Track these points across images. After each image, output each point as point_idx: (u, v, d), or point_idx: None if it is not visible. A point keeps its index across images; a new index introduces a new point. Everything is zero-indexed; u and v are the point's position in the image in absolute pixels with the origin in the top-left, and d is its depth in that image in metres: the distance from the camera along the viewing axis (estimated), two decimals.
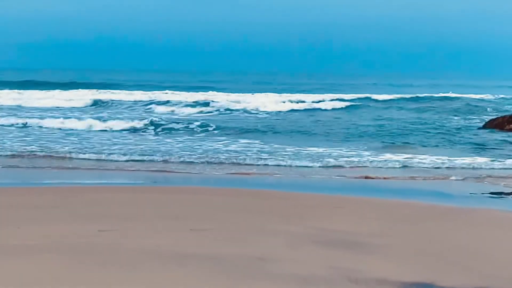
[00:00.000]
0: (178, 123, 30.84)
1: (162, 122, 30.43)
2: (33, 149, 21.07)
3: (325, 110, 41.37)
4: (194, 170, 18.11)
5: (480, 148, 23.75)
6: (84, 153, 20.27)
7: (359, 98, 47.76)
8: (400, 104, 44.44)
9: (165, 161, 19.34)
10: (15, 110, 38.12)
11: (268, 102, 43.33)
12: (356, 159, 19.86)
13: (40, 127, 28.69)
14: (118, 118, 32.24)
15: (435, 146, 23.98)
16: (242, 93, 51.42)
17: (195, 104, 42.71)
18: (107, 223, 9.62)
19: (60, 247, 7.99)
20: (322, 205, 12.16)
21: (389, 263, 7.72)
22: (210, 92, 52.18)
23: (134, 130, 28.55)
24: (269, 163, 19.07)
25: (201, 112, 39.26)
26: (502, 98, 50.72)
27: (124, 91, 51.42)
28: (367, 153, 21.46)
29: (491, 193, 14.45)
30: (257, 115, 37.92)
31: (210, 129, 28.80)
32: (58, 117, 31.90)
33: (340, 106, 42.71)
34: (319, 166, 18.73)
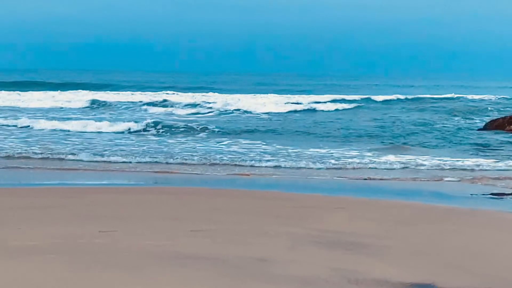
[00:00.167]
0: (179, 124, 30.84)
1: (163, 123, 30.42)
2: (35, 150, 21.07)
3: (327, 111, 41.37)
4: (196, 171, 18.12)
5: (480, 149, 23.76)
6: (85, 154, 20.27)
7: (360, 99, 47.74)
8: (401, 105, 44.45)
9: (166, 163, 19.33)
10: (14, 111, 38.06)
11: (269, 103, 43.34)
12: (357, 160, 19.86)
13: (41, 129, 28.55)
14: (118, 119, 32.27)
15: (436, 147, 23.99)
16: (243, 94, 51.43)
17: (196, 105, 42.74)
18: (108, 224, 9.62)
19: (60, 247, 7.99)
20: (322, 206, 12.16)
21: (390, 264, 7.72)
22: (211, 93, 52.17)
23: (135, 131, 28.54)
24: (272, 165, 19.06)
25: (202, 113, 39.26)
26: (504, 98, 50.70)
27: (124, 92, 51.43)
28: (368, 154, 21.47)
29: (492, 194, 14.45)
30: (258, 116, 37.92)
31: (212, 130, 28.81)
32: (58, 118, 31.91)
33: (341, 107, 42.70)
34: (321, 168, 18.73)
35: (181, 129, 29.05)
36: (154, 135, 27.64)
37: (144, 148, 22.50)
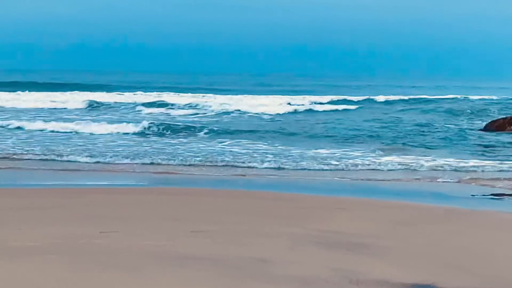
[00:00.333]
0: (179, 124, 30.80)
1: (163, 124, 30.36)
2: (36, 151, 21.06)
3: (328, 111, 41.35)
4: (196, 171, 18.13)
5: (481, 149, 23.76)
6: (85, 155, 20.27)
7: (362, 100, 47.71)
8: (403, 106, 44.42)
9: (167, 164, 19.31)
10: (13, 111, 38.02)
11: (270, 104, 43.33)
12: (358, 161, 19.87)
13: (42, 130, 28.45)
14: (117, 120, 32.23)
15: (436, 148, 23.97)
16: (244, 94, 51.40)
17: (196, 105, 42.69)
18: (109, 224, 9.62)
19: (61, 248, 7.99)
20: (323, 206, 12.16)
21: (391, 265, 7.72)
22: (211, 94, 52.11)
23: (135, 132, 28.50)
24: (273, 165, 19.05)
25: (202, 113, 39.21)
26: (505, 99, 50.66)
27: (124, 93, 51.35)
28: (369, 154, 21.48)
29: (493, 194, 14.45)
30: (259, 116, 37.90)
31: (212, 131, 28.76)
32: (58, 119, 31.89)
33: (342, 108, 42.69)
34: (322, 169, 18.72)
35: (181, 130, 29.00)
36: (154, 136, 27.60)
37: (145, 149, 22.50)
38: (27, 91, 49.65)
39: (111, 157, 20.15)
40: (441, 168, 18.97)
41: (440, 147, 24.24)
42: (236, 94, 51.37)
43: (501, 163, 19.92)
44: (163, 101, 45.32)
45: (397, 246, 8.80)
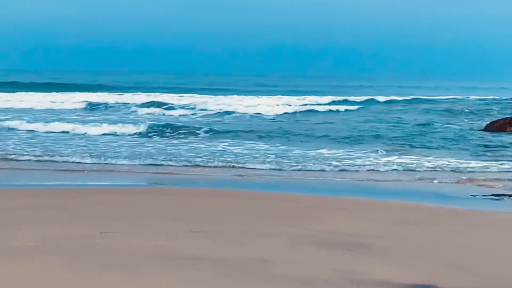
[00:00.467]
0: (180, 125, 30.78)
1: (164, 124, 30.34)
2: (37, 152, 21.05)
3: (329, 112, 41.35)
4: (198, 172, 18.14)
5: (481, 150, 23.76)
6: (86, 156, 20.27)
7: (363, 100, 47.69)
8: (404, 106, 44.39)
9: (168, 164, 19.29)
10: (11, 112, 38.00)
11: (271, 104, 43.32)
12: (359, 162, 19.87)
13: (47, 132, 28.37)
14: (118, 121, 32.20)
15: (437, 148, 23.96)
16: (245, 94, 51.38)
17: (197, 106, 42.68)
18: (109, 224, 9.62)
19: (61, 248, 8.00)
20: (323, 207, 12.16)
21: (391, 265, 7.72)
22: (212, 95, 52.07)
23: (135, 133, 28.47)
24: (274, 166, 19.03)
25: (204, 114, 39.19)
26: (505, 99, 50.63)
27: (124, 93, 51.31)
28: (370, 155, 21.48)
29: (493, 195, 14.45)
30: (260, 117, 37.88)
31: (214, 131, 28.75)
32: (60, 120, 31.88)
33: (344, 108, 42.69)
34: (323, 169, 18.72)
35: (182, 130, 28.98)
36: (155, 136, 27.59)
37: (145, 149, 22.49)
38: (23, 92, 49.55)
39: (111, 157, 20.14)
40: (441, 169, 18.97)
41: (440, 148, 24.24)
42: (237, 95, 51.37)
43: (501, 164, 19.92)
44: (163, 101, 45.24)
45: (397, 246, 8.80)
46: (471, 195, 14.44)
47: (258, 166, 18.97)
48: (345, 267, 7.52)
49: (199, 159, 20.02)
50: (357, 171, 18.53)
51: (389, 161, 20.12)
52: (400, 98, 49.28)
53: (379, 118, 36.52)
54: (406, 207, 12.54)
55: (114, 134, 27.66)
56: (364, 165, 19.25)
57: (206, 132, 28.55)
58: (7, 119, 31.76)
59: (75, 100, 45.43)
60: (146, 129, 29.02)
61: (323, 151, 22.15)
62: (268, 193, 14.14)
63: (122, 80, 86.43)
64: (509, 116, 32.88)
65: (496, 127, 30.43)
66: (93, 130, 28.45)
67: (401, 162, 19.86)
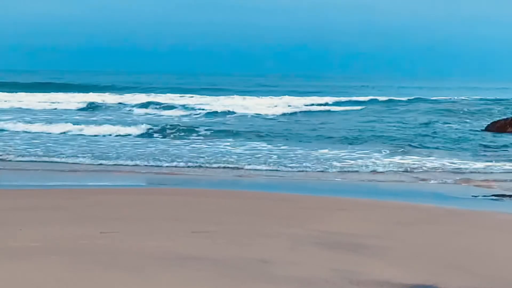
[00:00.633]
0: (181, 125, 30.78)
1: (165, 125, 30.32)
2: (39, 153, 21.04)
3: (332, 112, 41.38)
4: (199, 172, 18.14)
5: (482, 150, 23.76)
6: (87, 157, 20.28)
7: (365, 101, 47.73)
8: (405, 107, 44.45)
9: (170, 165, 19.25)
10: (14, 112, 38.00)
11: (273, 105, 43.34)
12: (360, 162, 19.87)
13: (48, 133, 28.29)
14: (119, 122, 32.21)
15: (438, 149, 23.95)
16: (246, 95, 51.39)
17: (198, 106, 42.69)
18: (109, 225, 9.62)
19: (61, 249, 8.00)
20: (324, 207, 12.16)
21: (391, 265, 7.72)
22: (213, 96, 52.09)
23: (137, 133, 28.43)
24: (274, 167, 19.02)
25: (206, 114, 39.16)
26: (507, 99, 50.64)
27: (123, 94, 51.29)
28: (371, 155, 21.48)
29: (493, 195, 14.45)
30: (262, 117, 37.88)
31: (216, 131, 28.74)
32: (60, 121, 31.90)
33: (345, 109, 42.72)
34: (324, 169, 18.70)
35: (183, 131, 28.96)
36: (156, 137, 27.58)
37: (147, 150, 22.49)
38: (23, 93, 49.54)
39: (112, 158, 20.14)
40: (442, 169, 18.96)
41: (441, 148, 24.23)
42: (237, 95, 51.38)
43: (502, 164, 19.92)
44: (164, 102, 45.28)
45: (397, 246, 8.80)
46: (472, 196, 14.44)
47: (259, 167, 18.96)
48: (345, 267, 7.52)
49: (201, 159, 20.02)
50: (358, 171, 18.52)
51: (390, 161, 20.13)
52: (401, 99, 49.34)
53: (380, 119, 36.55)
54: (406, 207, 12.54)
55: (115, 135, 27.63)
56: (365, 166, 19.24)
57: (207, 132, 28.54)
58: (7, 120, 31.77)
59: (76, 100, 45.46)
60: (147, 130, 28.99)
61: (326, 151, 22.17)
62: (268, 193, 14.14)
63: (122, 80, 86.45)
64: (510, 116, 32.87)
65: (497, 127, 30.44)
66: (94, 130, 28.42)
67: (402, 163, 19.86)
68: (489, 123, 32.39)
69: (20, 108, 41.77)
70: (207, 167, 18.94)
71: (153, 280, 6.83)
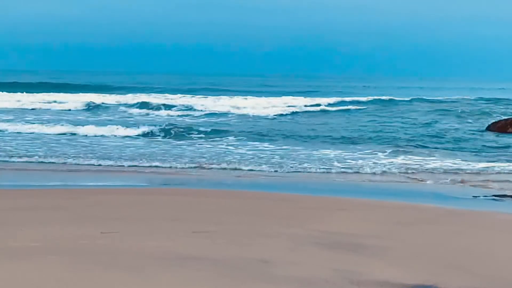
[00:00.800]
0: (183, 126, 30.76)
1: (167, 126, 30.27)
2: (39, 153, 21.02)
3: (334, 112, 41.36)
4: (200, 172, 18.14)
5: (482, 150, 23.76)
6: (88, 157, 20.27)
7: (367, 101, 47.69)
8: (407, 107, 44.41)
9: (171, 166, 19.23)
10: (15, 113, 37.99)
11: (275, 105, 43.32)
12: (361, 162, 19.87)
13: (48, 134, 28.22)
14: (120, 122, 32.18)
15: (438, 149, 23.94)
16: (247, 95, 51.36)
17: (198, 107, 42.68)
18: (110, 225, 9.62)
19: (61, 249, 8.00)
20: (324, 207, 12.16)
21: (391, 266, 7.72)
22: (214, 96, 52.04)
23: (138, 134, 28.38)
24: (278, 167, 19.00)
25: (208, 115, 39.13)
26: (508, 99, 50.61)
27: (126, 94, 51.23)
28: (372, 155, 21.49)
29: (494, 195, 14.45)
30: (264, 117, 37.85)
31: (218, 132, 28.71)
32: (61, 121, 31.88)
33: (349, 108, 42.71)
34: (328, 170, 18.68)
35: (184, 131, 28.95)
36: (157, 137, 27.55)
37: (150, 150, 22.50)
38: (23, 93, 49.44)
39: (113, 158, 20.13)
40: (442, 169, 18.96)
41: (442, 148, 24.23)
42: (239, 95, 51.35)
43: (503, 164, 19.92)
44: (164, 102, 45.22)
45: (397, 246, 8.80)
46: (473, 196, 14.44)
47: (260, 167, 18.94)
48: (345, 267, 7.52)
49: (203, 160, 20.02)
50: (358, 171, 18.51)
51: (390, 161, 20.12)
52: (401, 99, 49.31)
53: (381, 119, 36.56)
54: (406, 207, 12.53)
55: (115, 135, 27.60)
56: (366, 166, 19.23)
57: (208, 132, 28.52)
58: (6, 120, 31.76)
59: (76, 100, 45.40)
60: (147, 130, 28.95)
61: (328, 151, 22.18)
62: (268, 193, 14.13)
63: (123, 80, 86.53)
64: (510, 116, 32.86)
65: (498, 127, 30.43)
66: (94, 130, 28.39)
67: (403, 163, 19.87)
68: (489, 123, 32.38)
69: (20, 108, 41.74)
70: (207, 167, 18.93)
71: (153, 280, 6.83)
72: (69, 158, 20.02)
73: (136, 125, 30.31)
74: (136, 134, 28.19)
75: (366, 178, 17.44)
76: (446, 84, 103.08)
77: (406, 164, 19.70)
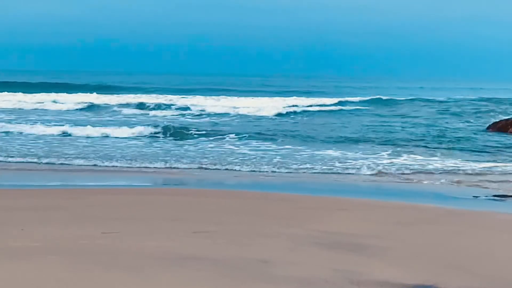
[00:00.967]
0: (184, 126, 30.74)
1: (168, 126, 30.25)
2: (41, 154, 21.01)
3: (333, 112, 41.38)
4: (201, 172, 18.14)
5: (483, 150, 23.75)
6: (89, 158, 20.27)
7: (369, 101, 47.71)
8: (407, 107, 44.47)
9: (171, 166, 19.21)
10: (16, 113, 37.98)
11: (275, 105, 43.33)
12: (361, 162, 19.86)
13: (48, 134, 28.19)
14: (120, 123, 32.17)
15: (438, 149, 23.93)
16: (248, 95, 51.36)
17: (199, 107, 42.68)
18: (110, 225, 9.63)
19: (61, 249, 8.00)
20: (324, 207, 12.16)
21: (391, 266, 7.72)
22: (214, 96, 52.04)
23: (139, 134, 28.36)
24: (279, 166, 19.00)
25: (210, 115, 39.10)
26: (508, 99, 50.62)
27: (126, 94, 51.22)
28: (372, 155, 21.49)
29: (494, 195, 14.44)
30: (265, 118, 37.84)
31: (219, 132, 28.69)
32: (61, 121, 31.88)
33: (348, 109, 42.73)
34: (329, 170, 18.68)
35: (185, 131, 28.93)
36: (158, 137, 27.53)
37: (151, 150, 22.50)
38: (22, 93, 49.43)
39: (113, 158, 20.13)
40: (443, 169, 18.95)
41: (442, 148, 24.23)
42: (240, 95, 51.34)
43: (503, 165, 19.91)
44: (165, 102, 45.23)
45: (397, 246, 8.80)
46: (473, 196, 14.43)
47: (261, 168, 18.93)
48: (345, 267, 7.52)
49: (204, 160, 20.01)
50: (359, 171, 18.50)
51: (391, 161, 20.13)
52: (402, 99, 49.34)
53: (381, 119, 36.56)
54: (406, 207, 12.53)
55: (115, 136, 27.59)
56: (367, 166, 19.23)
57: (209, 132, 28.51)
58: (6, 120, 31.75)
59: (76, 100, 45.39)
60: (148, 130, 28.92)
61: (329, 151, 22.19)
62: (268, 193, 14.13)
63: (123, 80, 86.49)
64: (511, 116, 32.87)
65: (498, 127, 30.45)
66: (94, 131, 28.36)
67: (403, 163, 19.86)
68: (490, 123, 32.39)
69: (20, 108, 41.74)
70: (208, 167, 18.93)
71: (153, 280, 6.83)
72: (69, 158, 20.01)
73: (136, 125, 30.27)
74: (136, 134, 28.15)
75: (366, 178, 17.44)
76: (446, 84, 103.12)
77: (406, 164, 19.69)
